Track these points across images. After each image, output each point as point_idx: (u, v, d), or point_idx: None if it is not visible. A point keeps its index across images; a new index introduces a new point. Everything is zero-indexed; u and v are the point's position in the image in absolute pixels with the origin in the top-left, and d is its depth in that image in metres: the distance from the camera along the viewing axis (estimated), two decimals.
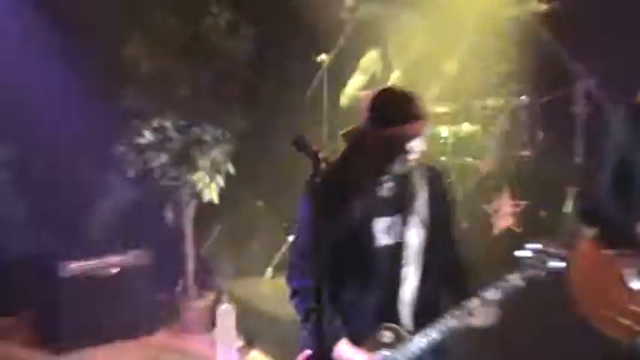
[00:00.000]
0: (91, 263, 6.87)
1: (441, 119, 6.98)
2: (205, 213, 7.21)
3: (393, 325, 3.85)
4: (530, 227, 6.58)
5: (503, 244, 6.46)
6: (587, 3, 6.47)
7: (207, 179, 6.91)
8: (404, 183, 3.88)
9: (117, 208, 7.61)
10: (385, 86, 4.13)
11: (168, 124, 6.86)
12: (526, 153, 6.99)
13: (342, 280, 3.84)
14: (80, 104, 6.93)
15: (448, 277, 3.97)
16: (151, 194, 7.05)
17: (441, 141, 7.00)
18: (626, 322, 4.26)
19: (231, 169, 6.97)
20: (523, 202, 6.66)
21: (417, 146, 3.77)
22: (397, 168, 3.81)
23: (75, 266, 6.81)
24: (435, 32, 7.02)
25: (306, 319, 3.81)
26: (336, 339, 3.82)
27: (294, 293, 3.92)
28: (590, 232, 4.49)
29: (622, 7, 6.65)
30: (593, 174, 4.50)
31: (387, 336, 3.85)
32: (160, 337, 7.07)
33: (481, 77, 7.04)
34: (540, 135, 7.01)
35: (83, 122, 6.90)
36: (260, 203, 7.89)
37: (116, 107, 6.77)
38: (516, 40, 6.83)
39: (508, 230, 6.63)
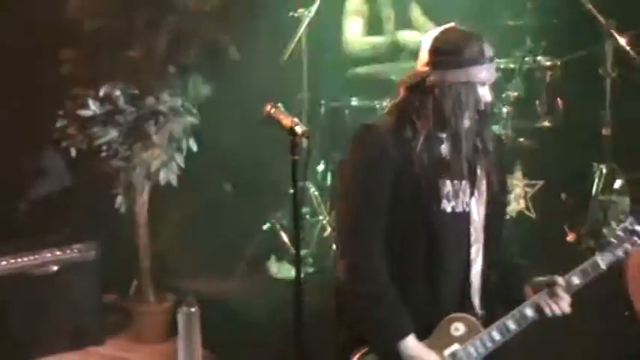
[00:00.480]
0: (25, 260, 6.58)
1: None
2: (162, 198, 6.94)
3: (465, 315, 3.80)
4: (547, 212, 6.56)
5: (515, 231, 6.20)
6: None
7: (164, 158, 6.66)
8: (467, 144, 3.76)
9: (56, 194, 7.40)
10: (447, 25, 3.85)
11: (117, 93, 6.55)
12: (544, 124, 6.80)
13: (404, 255, 3.77)
14: (10, 70, 6.75)
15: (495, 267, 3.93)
16: (98, 177, 6.74)
17: None
18: None
19: (193, 146, 6.68)
20: (539, 183, 6.57)
21: (486, 95, 3.69)
22: (465, 122, 3.70)
23: (4, 264, 6.50)
24: None
25: (371, 304, 3.72)
26: (402, 333, 3.73)
27: (354, 269, 3.77)
28: None
29: None
30: None
31: (458, 328, 3.78)
32: (110, 347, 6.79)
33: (490, 33, 6.74)
34: (561, 103, 6.81)
35: (14, 92, 6.80)
36: (228, 186, 7.73)
37: (55, 74, 6.51)
38: None
39: (520, 215, 6.58)
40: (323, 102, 6.69)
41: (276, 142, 3.97)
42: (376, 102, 6.50)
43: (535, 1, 6.86)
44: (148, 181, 6.78)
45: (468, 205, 3.77)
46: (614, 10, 6.46)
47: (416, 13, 7.13)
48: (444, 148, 3.74)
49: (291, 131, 3.66)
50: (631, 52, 6.29)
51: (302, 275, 4.07)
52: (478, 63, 3.63)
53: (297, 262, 3.98)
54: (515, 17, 6.99)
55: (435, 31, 3.76)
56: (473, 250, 3.79)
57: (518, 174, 6.44)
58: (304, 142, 3.77)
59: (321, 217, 6.50)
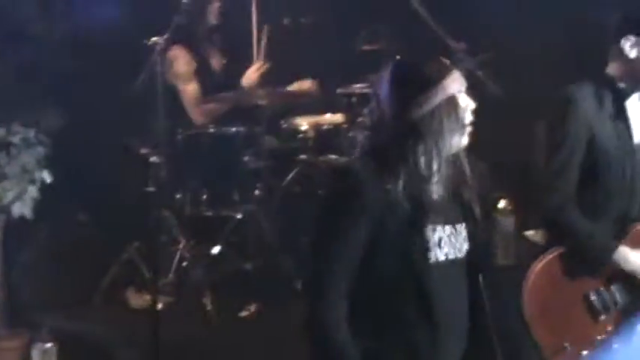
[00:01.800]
0: None
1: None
2: (16, 231, 6.63)
3: None
4: None
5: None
6: None
7: (16, 190, 6.37)
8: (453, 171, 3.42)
9: None
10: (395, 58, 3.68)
11: None
12: None
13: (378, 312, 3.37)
14: None
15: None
16: None
17: (300, 136, 6.78)
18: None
19: (47, 177, 6.40)
20: None
21: (470, 105, 3.30)
22: (453, 147, 3.33)
23: None
24: None
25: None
26: None
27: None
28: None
29: None
30: (549, 176, 4.06)
31: None
32: None
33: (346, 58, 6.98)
34: None
35: None
36: (83, 217, 7.48)
37: None
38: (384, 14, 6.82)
39: None
40: (180, 130, 6.57)
41: (132, 172, 3.92)
42: (234, 129, 6.49)
43: (390, 25, 6.85)
44: (1, 214, 6.47)
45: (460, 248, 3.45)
46: (464, 34, 6.58)
47: None
48: (434, 189, 3.39)
49: (146, 162, 3.62)
50: (480, 76, 6.39)
51: (161, 305, 4.00)
52: (446, 74, 3.30)
53: (153, 291, 3.93)
54: (371, 41, 6.93)
55: (385, 74, 3.41)
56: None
57: None
58: (161, 171, 3.64)
59: (180, 246, 6.38)
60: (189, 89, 6.77)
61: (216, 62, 6.94)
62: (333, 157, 6.66)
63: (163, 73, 6.57)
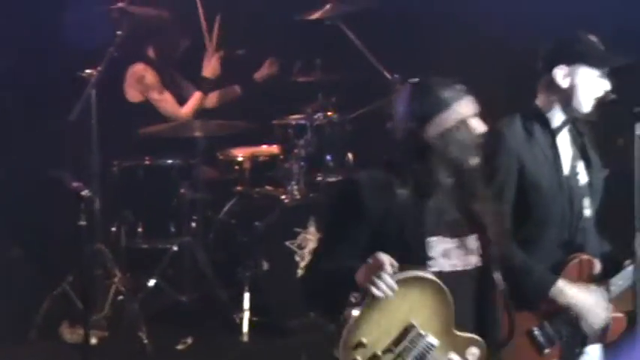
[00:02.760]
0: None
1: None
2: None
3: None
4: None
5: None
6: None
7: None
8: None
9: None
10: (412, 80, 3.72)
11: None
12: (334, 178, 6.72)
13: None
14: None
15: None
16: None
17: (236, 167, 6.73)
18: None
19: None
20: None
21: (480, 128, 3.54)
22: (464, 166, 3.55)
23: None
24: None
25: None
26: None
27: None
28: None
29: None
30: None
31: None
32: None
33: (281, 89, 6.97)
34: (350, 157, 6.80)
35: None
36: (16, 251, 7.28)
37: None
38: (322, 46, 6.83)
39: None
40: (116, 162, 6.50)
41: (65, 205, 3.89)
42: (170, 160, 6.48)
43: (324, 57, 6.84)
44: None
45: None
46: (399, 65, 6.60)
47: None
48: (442, 202, 3.55)
49: (77, 196, 3.60)
50: None
51: (95, 340, 3.95)
52: (459, 98, 3.53)
53: (86, 326, 3.90)
54: (303, 73, 6.94)
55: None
56: None
57: (312, 229, 6.30)
58: (94, 204, 3.64)
59: (115, 279, 6.26)
60: (167, 97, 6.82)
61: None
62: (269, 188, 6.65)
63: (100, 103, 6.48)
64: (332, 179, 6.70)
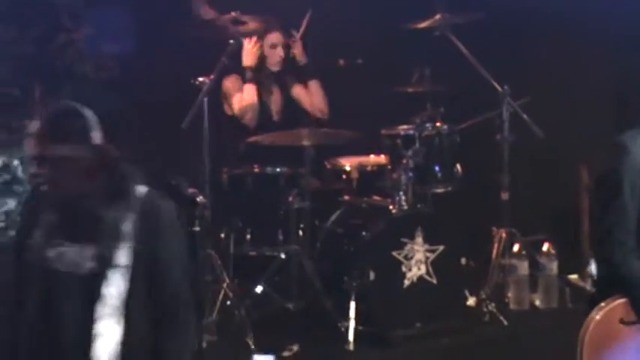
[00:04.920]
0: None
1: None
2: None
3: None
4: (447, 276, 6.36)
5: (414, 298, 6.27)
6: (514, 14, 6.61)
7: None
8: None
9: None
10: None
11: (15, 162, 6.39)
12: (442, 189, 6.75)
13: None
14: None
15: None
16: None
17: (344, 176, 6.78)
18: None
19: None
20: (439, 248, 6.35)
21: None
22: None
23: None
24: None
25: None
26: None
27: None
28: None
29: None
30: (608, 227, 4.05)
31: None
32: None
33: (390, 99, 6.94)
34: (460, 168, 6.76)
35: None
36: None
37: None
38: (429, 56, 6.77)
39: (421, 280, 6.34)
40: (225, 170, 6.54)
41: (180, 211, 3.86)
42: (278, 169, 6.50)
43: (433, 68, 6.80)
44: None
45: None
46: (509, 78, 6.66)
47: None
48: None
49: (193, 202, 3.65)
50: (526, 118, 6.49)
51: (205, 344, 3.98)
52: None
53: (199, 331, 3.89)
54: (415, 84, 6.90)
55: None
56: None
57: (419, 239, 6.30)
58: (206, 211, 3.67)
59: (224, 285, 6.26)
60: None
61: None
62: (377, 197, 6.69)
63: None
64: (440, 190, 6.69)
